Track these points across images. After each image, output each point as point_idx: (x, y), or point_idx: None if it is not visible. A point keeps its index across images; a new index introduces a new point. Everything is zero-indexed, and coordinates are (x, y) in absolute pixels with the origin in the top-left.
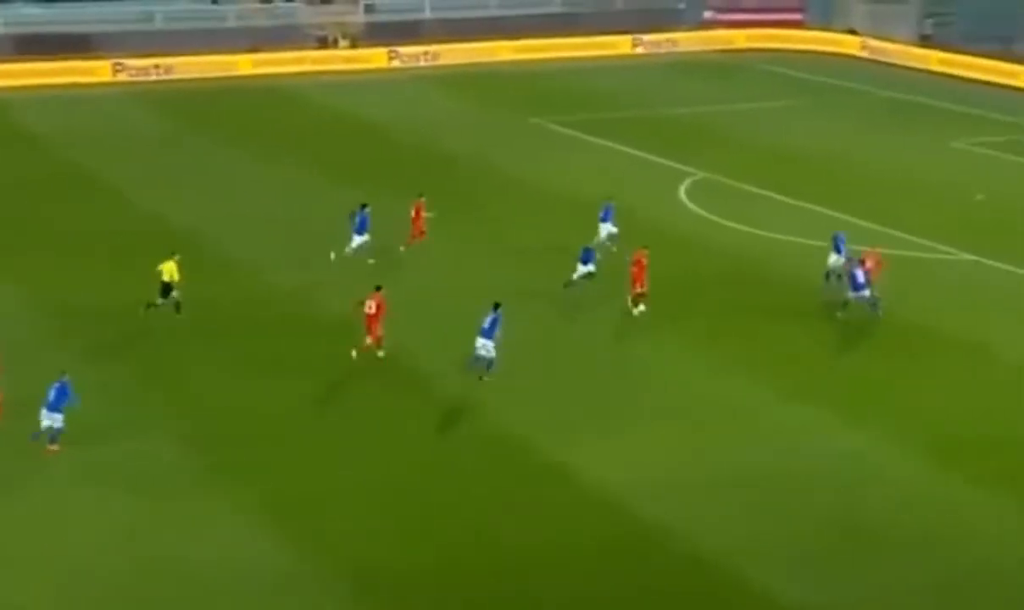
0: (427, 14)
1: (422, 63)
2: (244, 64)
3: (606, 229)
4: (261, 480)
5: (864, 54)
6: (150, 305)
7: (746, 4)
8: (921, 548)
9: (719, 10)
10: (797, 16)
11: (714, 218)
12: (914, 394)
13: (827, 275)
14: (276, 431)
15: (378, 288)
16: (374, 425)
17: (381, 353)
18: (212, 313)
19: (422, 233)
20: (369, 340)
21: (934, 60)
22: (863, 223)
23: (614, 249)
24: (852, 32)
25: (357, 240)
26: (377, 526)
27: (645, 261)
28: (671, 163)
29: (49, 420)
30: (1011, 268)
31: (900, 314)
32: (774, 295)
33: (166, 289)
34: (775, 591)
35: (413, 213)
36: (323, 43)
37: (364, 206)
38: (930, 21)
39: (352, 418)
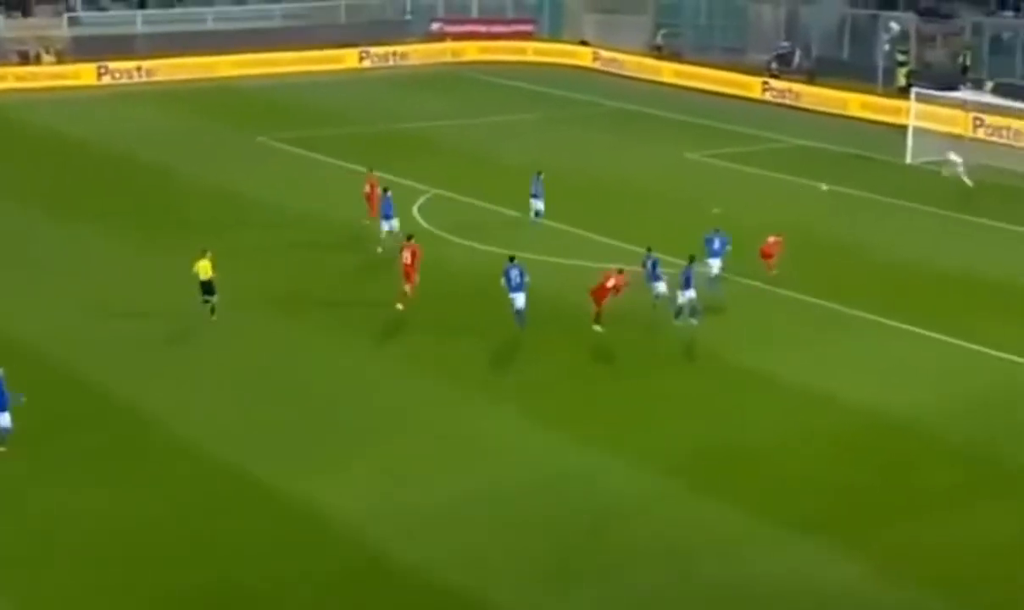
0: (139, 28)
1: (136, 79)
2: None
3: (536, 205)
4: None
5: (597, 65)
6: (205, 302)
7: (475, 15)
8: (664, 561)
9: (447, 21)
10: (528, 27)
11: (447, 236)
12: (661, 414)
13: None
14: None
15: (409, 237)
16: (93, 470)
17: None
18: None
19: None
20: (407, 287)
21: (667, 71)
22: (602, 238)
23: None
24: (584, 43)
25: (386, 225)
26: (94, 580)
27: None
28: (403, 181)
29: None
30: (750, 282)
31: (638, 331)
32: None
33: (207, 287)
34: None
35: (368, 189)
36: (25, 59)
37: (386, 190)
38: (662, 32)
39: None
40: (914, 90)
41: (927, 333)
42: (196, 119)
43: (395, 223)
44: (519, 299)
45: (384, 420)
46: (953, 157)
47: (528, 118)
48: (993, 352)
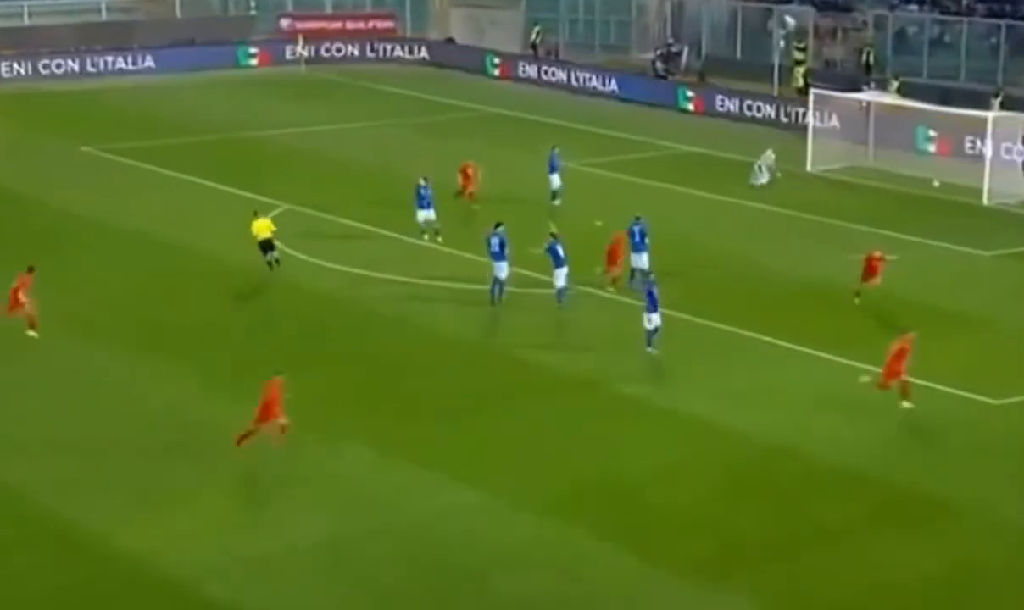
0: None
1: None
2: None
3: (555, 181)
4: None
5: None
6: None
7: (329, 10)
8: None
9: (297, 17)
10: (389, 24)
11: (301, 255)
12: (539, 448)
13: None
14: None
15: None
16: None
17: None
18: None
19: (471, 195)
20: None
21: (541, 70)
22: (468, 255)
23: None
24: (451, 42)
25: (423, 215)
26: None
27: None
28: (252, 195)
29: None
30: (630, 301)
31: (510, 359)
32: (362, 340)
33: (266, 246)
34: None
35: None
36: None
37: (426, 179)
38: (537, 29)
39: None
40: (813, 91)
41: (828, 356)
42: (11, 126)
43: (430, 214)
44: (502, 269)
45: (222, 461)
46: (769, 153)
47: (390, 124)
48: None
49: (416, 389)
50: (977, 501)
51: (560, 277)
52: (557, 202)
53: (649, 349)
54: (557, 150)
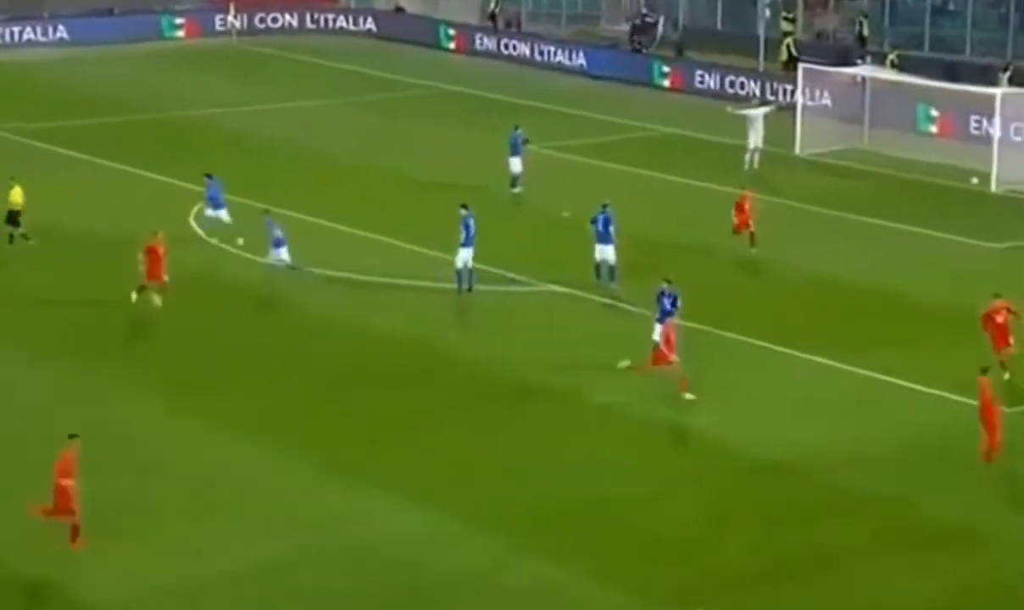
0: None
1: None
2: None
3: (516, 165)
4: None
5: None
6: (12, 238)
7: None
8: None
9: None
10: None
11: (227, 246)
12: (497, 457)
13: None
14: None
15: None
16: None
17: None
18: None
19: (747, 225)
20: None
21: (504, 45)
22: (427, 251)
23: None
24: (400, 11)
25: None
26: None
27: None
28: (174, 181)
29: None
30: (587, 295)
31: (475, 364)
32: (307, 345)
33: (12, 218)
34: None
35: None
36: None
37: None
38: None
39: None
40: (802, 66)
41: (823, 360)
42: None
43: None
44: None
45: (150, 479)
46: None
47: (332, 103)
48: (906, 384)
49: (366, 400)
50: (987, 522)
51: (462, 256)
52: (517, 189)
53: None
54: (520, 130)
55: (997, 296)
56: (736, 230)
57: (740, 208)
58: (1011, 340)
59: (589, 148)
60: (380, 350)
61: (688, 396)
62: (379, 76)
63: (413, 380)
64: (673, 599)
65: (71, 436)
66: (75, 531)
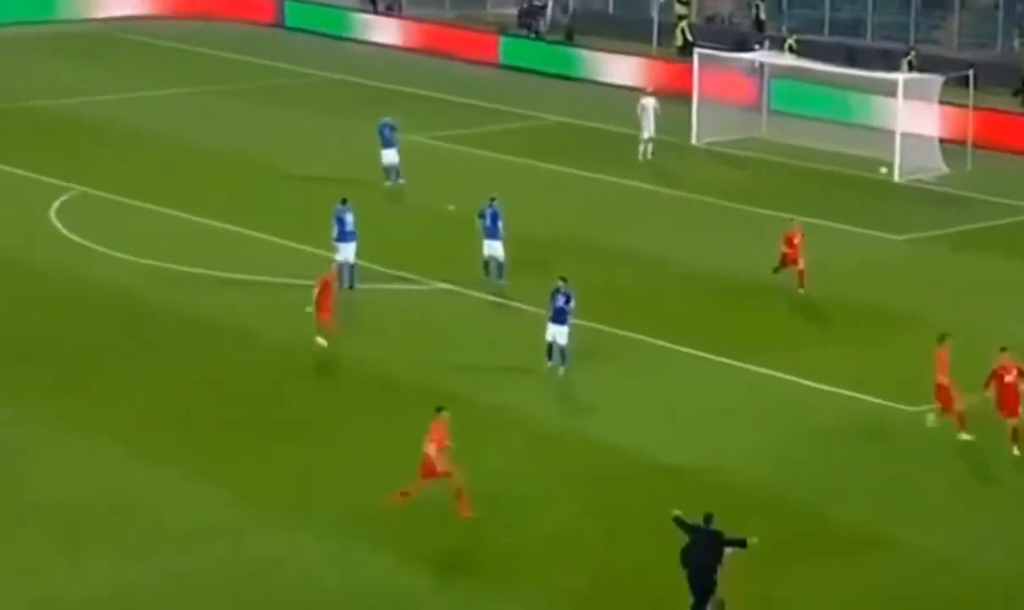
0: None
1: None
2: None
3: (389, 156)
4: None
5: (292, 23)
6: None
7: None
8: None
9: None
10: None
11: (98, 247)
12: (380, 464)
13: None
14: None
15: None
16: None
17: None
18: None
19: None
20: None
21: (381, 30)
22: (304, 247)
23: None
24: None
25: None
26: None
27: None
28: (35, 175)
29: None
30: (492, 298)
31: (358, 366)
32: (179, 348)
33: None
34: None
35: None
36: None
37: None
38: None
39: None
40: (697, 51)
41: (723, 360)
42: None
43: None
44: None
45: (15, 492)
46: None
47: (197, 91)
48: (810, 383)
49: (244, 408)
50: (901, 527)
51: (341, 250)
52: (398, 181)
53: (550, 364)
54: (390, 119)
55: (1004, 350)
56: (782, 265)
57: (790, 242)
58: (1020, 410)
59: (476, 138)
60: (258, 354)
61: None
62: (251, 62)
63: (294, 386)
64: (568, 607)
65: (439, 409)
66: (459, 495)
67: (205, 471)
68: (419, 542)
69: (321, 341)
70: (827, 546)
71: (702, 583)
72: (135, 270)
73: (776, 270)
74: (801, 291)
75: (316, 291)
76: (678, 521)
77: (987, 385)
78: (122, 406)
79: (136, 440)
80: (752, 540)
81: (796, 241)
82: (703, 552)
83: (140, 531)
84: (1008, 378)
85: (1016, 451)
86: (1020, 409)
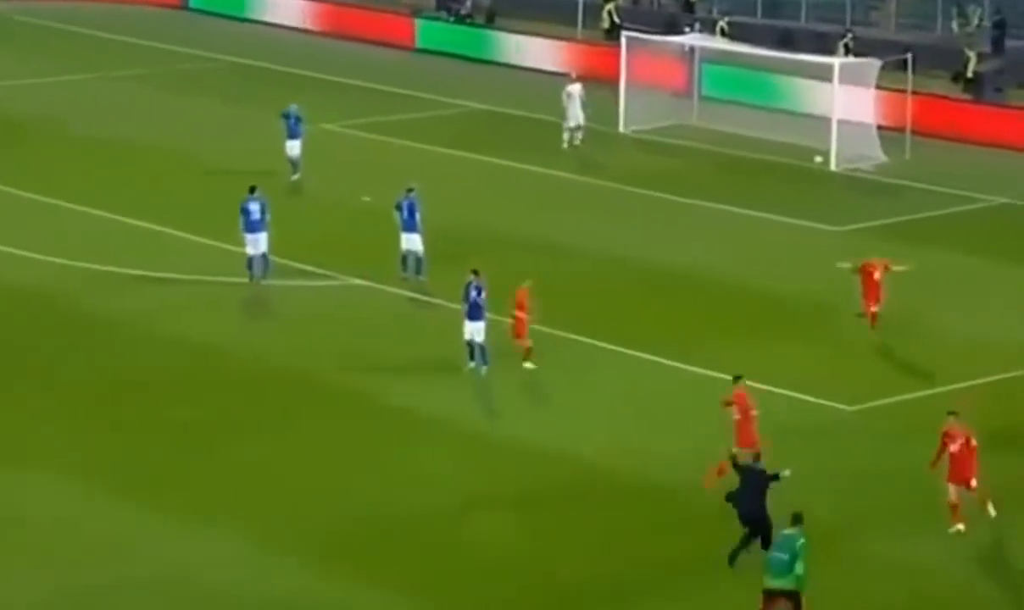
0: None
1: None
2: None
3: (293, 148)
4: None
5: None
6: None
7: None
8: None
9: None
10: None
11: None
12: (291, 471)
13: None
14: None
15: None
16: None
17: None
18: None
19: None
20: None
21: (292, 12)
22: (216, 243)
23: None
24: None
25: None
26: None
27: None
28: None
29: None
30: (394, 290)
31: (269, 367)
32: (84, 349)
33: None
34: None
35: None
36: None
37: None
38: None
39: None
40: (624, 34)
41: (652, 357)
42: None
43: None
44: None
45: None
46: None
47: (99, 77)
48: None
49: (150, 412)
50: (835, 529)
51: (249, 242)
52: (297, 176)
53: (472, 365)
54: (296, 107)
55: (953, 414)
56: (868, 305)
57: (868, 276)
58: (973, 482)
59: (393, 126)
60: (164, 355)
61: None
62: (152, 46)
63: (201, 388)
64: None
65: (736, 378)
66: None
67: (85, 472)
68: (341, 553)
69: (529, 365)
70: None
71: (752, 519)
72: (38, 267)
73: (861, 316)
74: (871, 333)
75: (516, 316)
76: (734, 463)
77: (935, 462)
78: (25, 412)
79: (36, 449)
80: (784, 473)
81: (876, 275)
82: (752, 491)
83: (43, 542)
84: (953, 449)
85: (992, 510)
86: (974, 479)
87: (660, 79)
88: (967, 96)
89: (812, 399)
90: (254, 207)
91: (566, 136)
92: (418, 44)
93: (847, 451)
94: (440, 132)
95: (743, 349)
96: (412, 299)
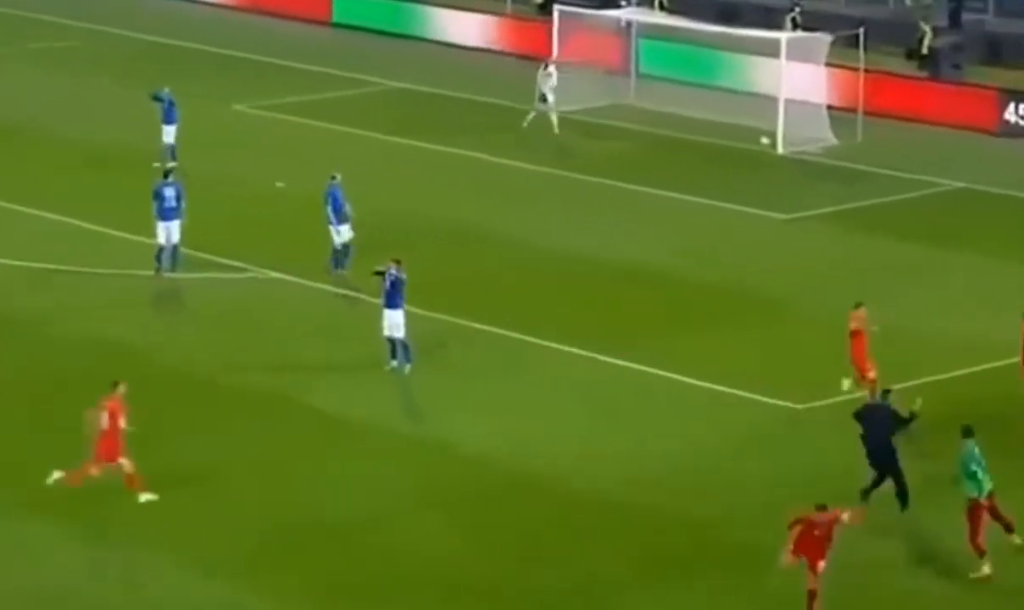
0: None
1: None
2: None
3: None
4: None
5: None
6: None
7: None
8: None
9: None
10: None
11: None
12: (202, 477)
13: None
14: None
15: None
16: None
17: None
18: None
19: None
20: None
21: None
22: (130, 236)
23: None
24: None
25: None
26: None
27: None
28: None
29: None
30: (313, 283)
31: (176, 365)
32: None
33: None
34: None
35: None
36: None
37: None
38: None
39: None
40: (557, 8)
41: (587, 354)
42: None
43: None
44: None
45: None
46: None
47: None
48: (684, 379)
49: (46, 417)
50: (770, 539)
51: (161, 230)
52: (174, 164)
53: (394, 364)
54: (168, 91)
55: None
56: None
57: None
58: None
59: (310, 106)
60: (61, 355)
61: (145, 497)
62: (47, 21)
63: (105, 389)
64: None
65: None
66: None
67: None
68: (259, 562)
69: (848, 383)
70: (695, 562)
71: (882, 459)
72: None
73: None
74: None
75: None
76: (855, 414)
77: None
78: None
79: None
80: (915, 408)
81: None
82: (879, 428)
83: None
84: (817, 532)
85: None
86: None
87: (594, 56)
88: (922, 73)
89: (760, 398)
90: (169, 193)
91: (554, 119)
92: (335, 18)
93: (797, 450)
94: (358, 113)
95: (686, 345)
96: (333, 293)
